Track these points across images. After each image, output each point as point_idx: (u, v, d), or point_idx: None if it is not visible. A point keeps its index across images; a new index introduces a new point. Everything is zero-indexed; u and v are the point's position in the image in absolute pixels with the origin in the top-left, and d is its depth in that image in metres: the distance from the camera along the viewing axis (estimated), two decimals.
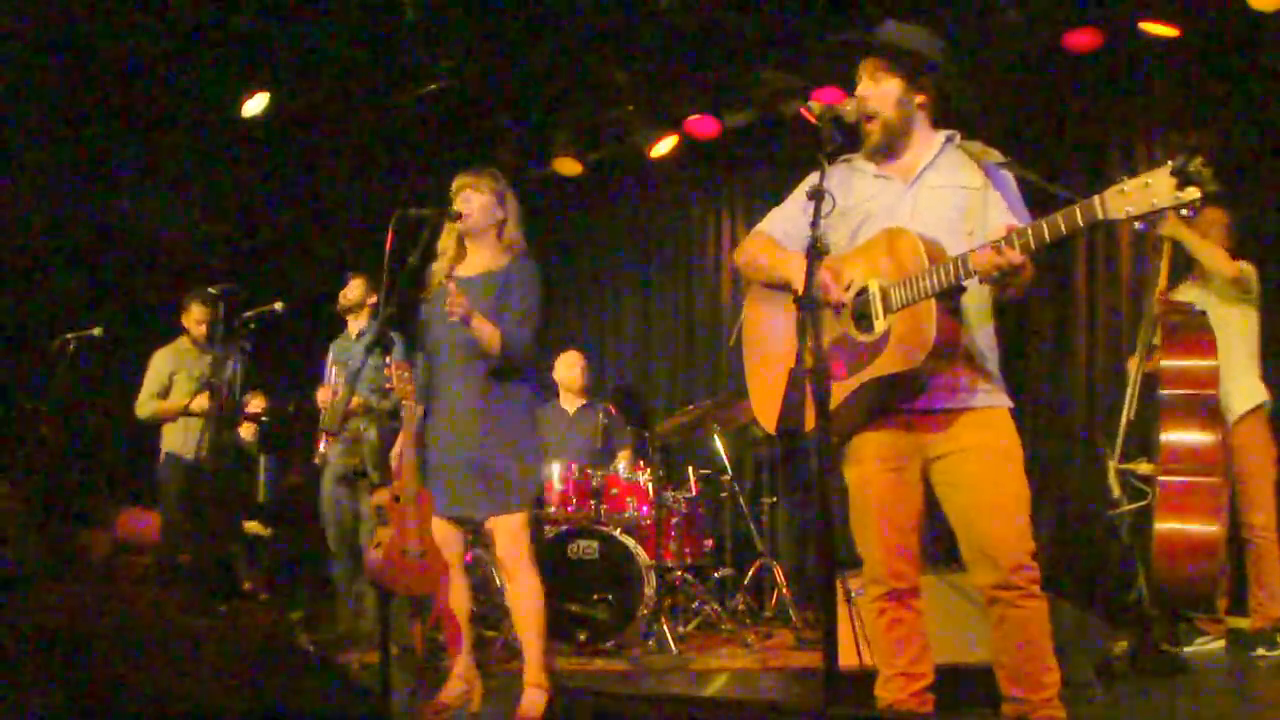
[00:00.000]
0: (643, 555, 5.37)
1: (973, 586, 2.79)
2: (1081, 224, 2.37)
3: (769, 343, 2.92)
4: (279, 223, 7.90)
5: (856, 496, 2.85)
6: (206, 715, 1.40)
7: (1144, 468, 4.70)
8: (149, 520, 6.32)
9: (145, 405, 6.01)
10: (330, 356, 5.68)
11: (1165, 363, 4.61)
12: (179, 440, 6.00)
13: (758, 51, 6.37)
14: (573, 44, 6.44)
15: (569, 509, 5.60)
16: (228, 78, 6.54)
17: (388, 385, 3.78)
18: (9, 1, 5.75)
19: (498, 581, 5.26)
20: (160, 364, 6.05)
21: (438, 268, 3.93)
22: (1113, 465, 4.78)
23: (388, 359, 3.77)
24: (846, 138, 2.84)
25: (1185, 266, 4.91)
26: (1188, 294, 4.89)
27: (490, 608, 5.42)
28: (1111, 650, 4.16)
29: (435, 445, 3.82)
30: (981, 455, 2.72)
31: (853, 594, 3.73)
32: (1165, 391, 4.61)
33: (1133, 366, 4.83)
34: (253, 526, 6.83)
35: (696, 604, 5.80)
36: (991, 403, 2.77)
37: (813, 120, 2.65)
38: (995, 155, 2.83)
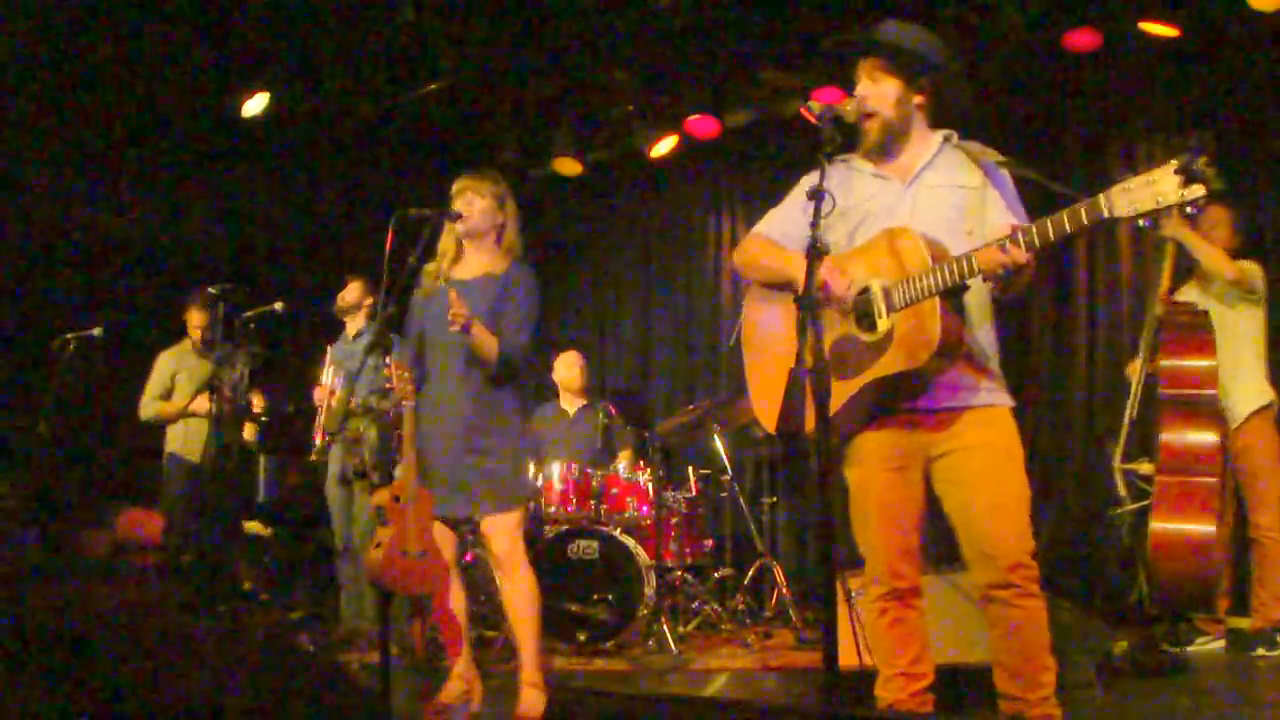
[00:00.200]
0: (643, 555, 5.37)
1: (972, 585, 2.79)
2: (1087, 222, 2.37)
3: (769, 342, 2.92)
4: (279, 223, 7.90)
5: (858, 497, 2.84)
6: (206, 715, 1.40)
7: (1145, 467, 4.71)
8: (149, 520, 6.33)
9: (148, 407, 6.07)
10: (329, 358, 5.69)
11: (1164, 362, 4.61)
12: (181, 441, 6.04)
13: (758, 51, 6.37)
14: (573, 44, 6.44)
15: (569, 509, 5.60)
16: (228, 78, 6.54)
17: (388, 385, 3.78)
18: (9, 1, 5.75)
19: (498, 581, 5.26)
20: (163, 365, 6.10)
21: (431, 268, 3.93)
22: (1117, 465, 4.79)
23: (387, 359, 3.77)
24: (846, 138, 2.85)
25: (1189, 268, 4.91)
26: (1190, 295, 4.89)
27: (490, 608, 5.42)
28: (1111, 650, 4.15)
29: (429, 446, 3.82)
30: (983, 454, 2.72)
31: (853, 594, 3.73)
32: (1163, 391, 4.62)
33: (1135, 367, 4.83)
34: (253, 526, 6.82)
35: (696, 604, 5.80)
36: (993, 401, 2.77)
37: (813, 120, 2.65)
38: (993, 155, 2.84)
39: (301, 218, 7.91)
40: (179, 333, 6.26)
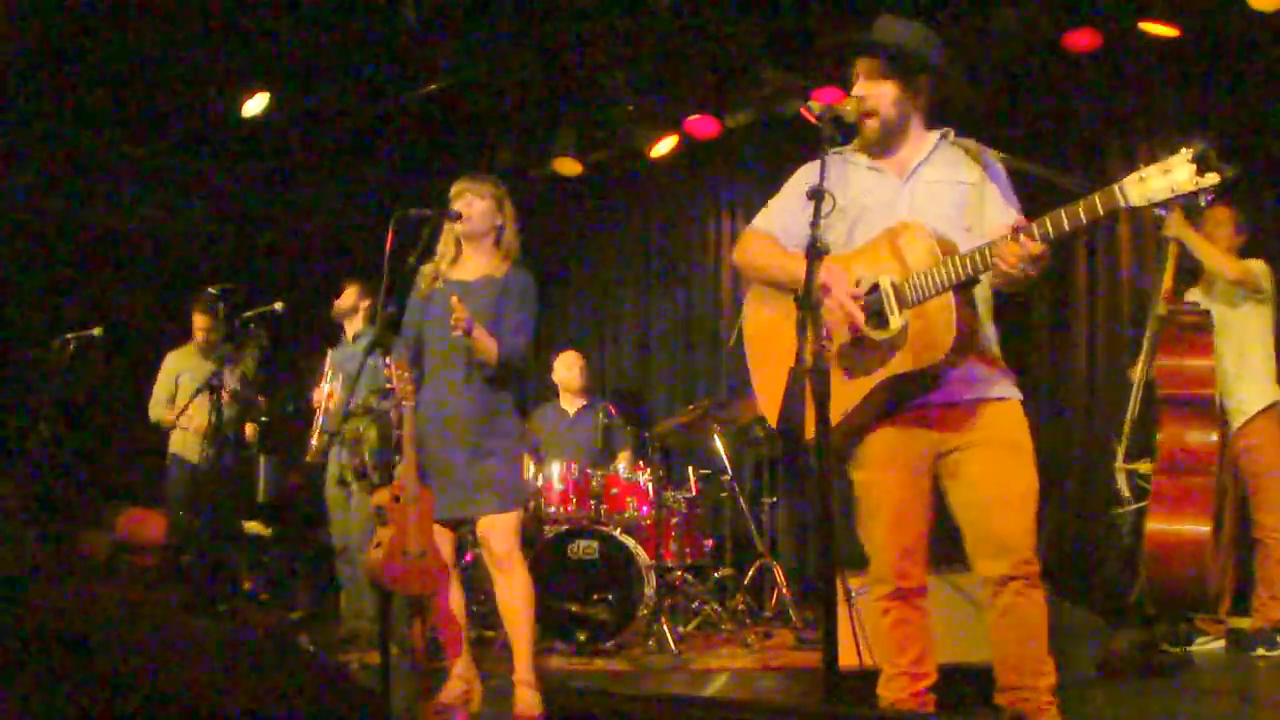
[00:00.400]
0: (643, 555, 5.37)
1: (980, 579, 2.78)
2: (1103, 212, 2.37)
3: (774, 340, 2.90)
4: (279, 223, 7.90)
5: (866, 497, 2.83)
6: (206, 715, 1.40)
7: (1146, 467, 4.70)
8: (149, 520, 6.34)
9: (153, 410, 6.17)
10: (328, 361, 5.70)
11: (1161, 362, 4.61)
12: (182, 443, 6.08)
13: (758, 51, 6.37)
14: (573, 44, 6.44)
15: (569, 509, 5.60)
16: (228, 78, 6.54)
17: (388, 385, 3.78)
18: (9, 2, 5.75)
19: (494, 581, 5.25)
20: (169, 367, 6.19)
21: (428, 269, 3.94)
22: (1119, 465, 4.78)
23: (387, 359, 3.78)
24: (845, 137, 2.84)
25: (1192, 270, 4.89)
26: (1195, 295, 4.89)
27: (490, 608, 5.41)
28: (1111, 650, 4.15)
29: (430, 447, 3.83)
30: (998, 447, 2.71)
31: (853, 594, 3.72)
32: (1161, 391, 4.61)
33: (1138, 367, 4.83)
34: (253, 526, 6.83)
35: (696, 604, 5.80)
36: (1005, 394, 2.77)
37: (813, 120, 2.64)
38: (993, 153, 2.83)
39: (301, 218, 7.91)
40: (179, 333, 6.27)
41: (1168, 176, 2.27)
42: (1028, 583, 2.66)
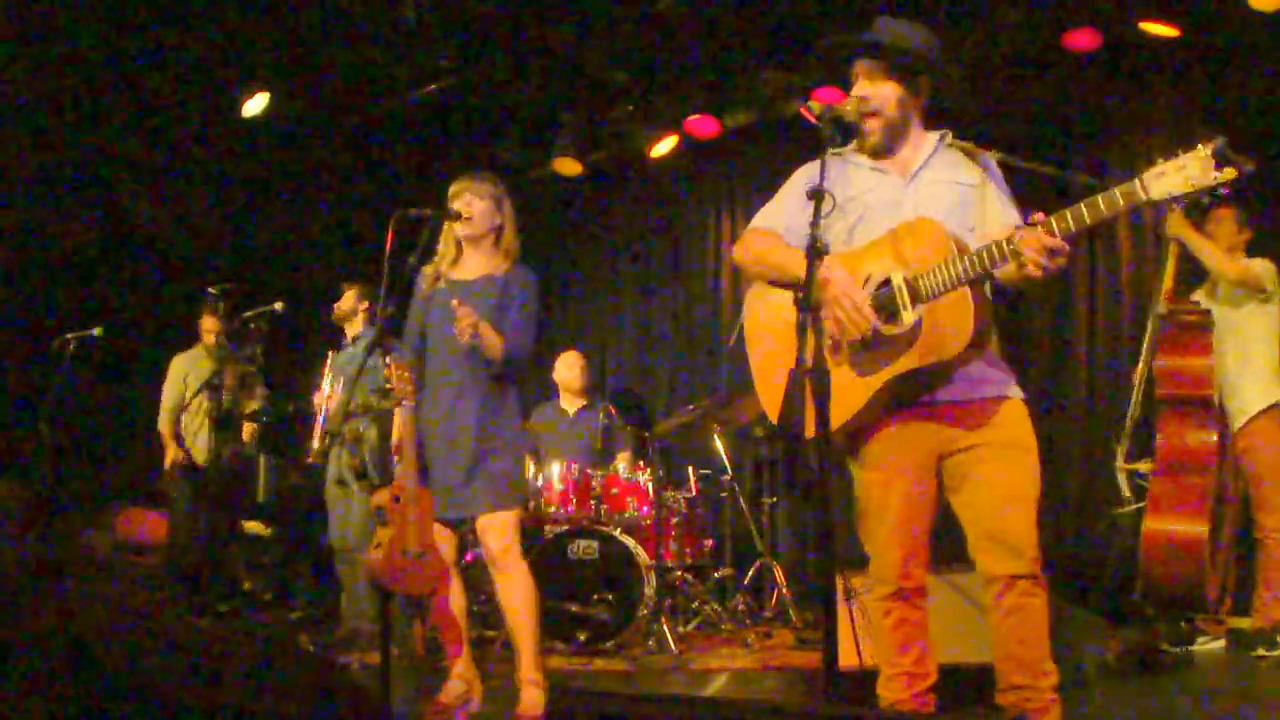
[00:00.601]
0: (643, 555, 5.37)
1: (978, 578, 2.78)
2: (1123, 205, 2.36)
3: (776, 339, 2.89)
4: (279, 223, 7.90)
5: (870, 497, 2.81)
6: (206, 715, 1.39)
7: (1145, 467, 4.70)
8: (149, 520, 6.34)
9: (162, 418, 6.21)
10: (329, 364, 5.70)
11: (1159, 362, 4.60)
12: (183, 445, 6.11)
13: (758, 51, 6.37)
14: (573, 44, 6.44)
15: (569, 509, 5.60)
16: (228, 78, 6.55)
17: (387, 385, 3.78)
18: (10, 2, 5.75)
19: (493, 580, 5.26)
20: (176, 370, 6.24)
21: (429, 269, 3.94)
22: (1119, 465, 4.78)
23: (387, 359, 3.78)
24: (845, 137, 2.84)
25: (1195, 270, 4.89)
26: (1199, 295, 4.88)
27: (490, 608, 5.41)
28: (1112, 650, 4.15)
29: (431, 447, 3.83)
30: (1006, 446, 2.71)
31: (853, 593, 3.72)
32: (1160, 391, 4.61)
33: (1138, 367, 4.83)
34: (253, 526, 6.83)
35: (696, 604, 5.80)
36: (1009, 393, 2.76)
37: (813, 120, 2.64)
38: (994, 154, 2.83)
39: (301, 218, 7.91)
40: (179, 333, 6.29)
41: (1186, 170, 2.27)
42: (1035, 582, 2.66)
